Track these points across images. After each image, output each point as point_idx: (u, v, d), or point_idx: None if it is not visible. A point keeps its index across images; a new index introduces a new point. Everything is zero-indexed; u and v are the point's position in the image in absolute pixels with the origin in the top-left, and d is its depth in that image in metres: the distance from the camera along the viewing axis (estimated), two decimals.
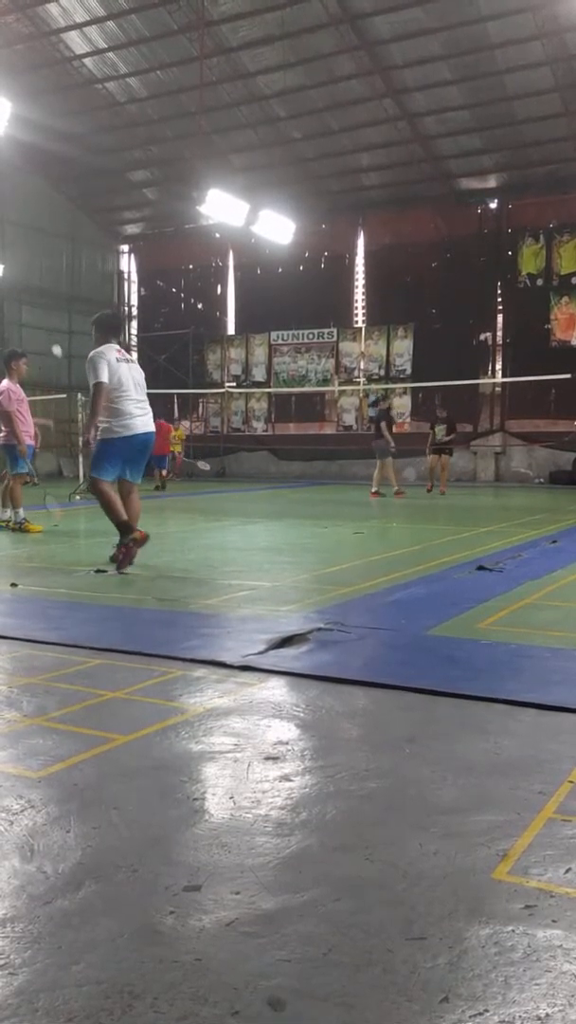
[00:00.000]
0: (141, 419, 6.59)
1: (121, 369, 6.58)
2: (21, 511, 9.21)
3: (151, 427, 6.70)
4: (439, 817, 2.18)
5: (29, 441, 9.43)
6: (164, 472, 19.64)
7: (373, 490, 15.07)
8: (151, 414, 6.75)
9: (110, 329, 7.03)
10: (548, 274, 21.02)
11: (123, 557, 6.26)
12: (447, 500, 14.62)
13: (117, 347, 6.77)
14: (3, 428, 9.31)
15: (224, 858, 1.97)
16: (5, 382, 9.53)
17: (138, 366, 6.89)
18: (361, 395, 23.49)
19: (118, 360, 6.61)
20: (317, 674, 3.50)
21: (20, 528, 9.06)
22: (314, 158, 21.64)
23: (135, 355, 26.84)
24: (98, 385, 6.47)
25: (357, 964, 1.57)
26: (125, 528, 6.35)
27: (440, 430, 15.57)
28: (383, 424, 14.95)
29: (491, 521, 10.70)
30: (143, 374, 6.83)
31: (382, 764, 2.56)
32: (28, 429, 9.50)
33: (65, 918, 1.72)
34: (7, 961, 1.57)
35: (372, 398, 21.37)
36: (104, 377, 6.46)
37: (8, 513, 9.25)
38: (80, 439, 6.91)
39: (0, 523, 9.28)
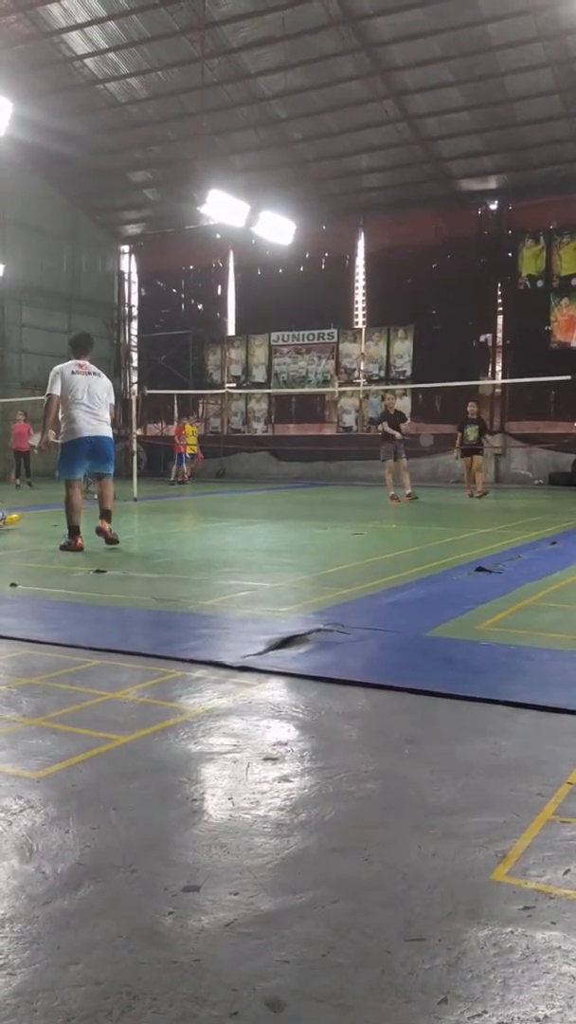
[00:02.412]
0: (88, 424, 7.71)
1: (75, 380, 7.72)
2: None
3: (99, 432, 7.76)
4: (438, 818, 2.18)
5: None
6: (182, 469, 20.17)
7: (391, 494, 14.46)
8: (103, 420, 7.81)
9: (77, 347, 8.11)
10: (548, 276, 21.01)
11: (64, 547, 7.50)
12: (449, 501, 14.62)
13: (79, 362, 7.89)
14: None
15: (223, 859, 1.97)
16: None
17: (103, 380, 7.96)
18: (362, 396, 23.50)
19: (74, 373, 7.75)
20: (316, 675, 3.50)
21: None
22: (314, 159, 21.64)
23: (135, 356, 26.88)
24: (48, 398, 7.77)
25: (356, 965, 1.57)
26: (73, 531, 7.56)
27: (472, 431, 15.31)
28: (384, 424, 14.89)
29: (490, 523, 10.70)
30: (107, 388, 7.93)
31: (381, 765, 2.56)
32: None
33: (64, 918, 1.72)
34: (6, 961, 1.58)
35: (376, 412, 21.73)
36: (55, 391, 7.69)
37: None
38: (39, 440, 8.23)
39: None
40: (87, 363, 7.95)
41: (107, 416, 7.86)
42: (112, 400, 8.02)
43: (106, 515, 7.77)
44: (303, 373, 24.11)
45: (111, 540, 7.63)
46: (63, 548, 7.49)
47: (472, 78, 18.00)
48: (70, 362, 7.91)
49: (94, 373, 7.90)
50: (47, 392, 7.76)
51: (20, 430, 18.93)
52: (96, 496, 8.08)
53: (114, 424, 8.08)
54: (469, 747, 2.69)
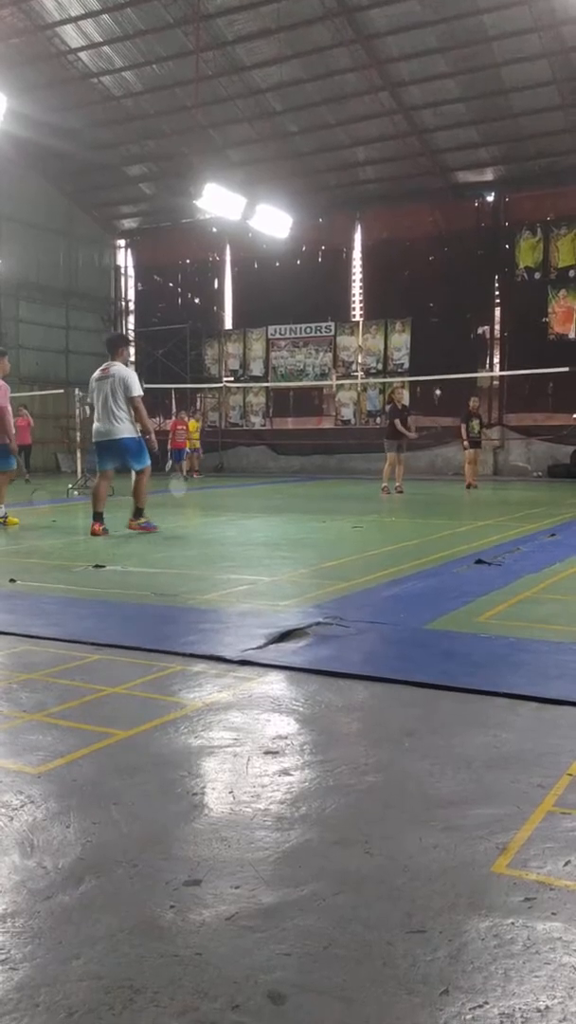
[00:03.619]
0: (98, 428, 8.55)
1: (93, 389, 8.60)
2: (2, 507, 9.36)
3: (108, 435, 8.46)
4: (438, 811, 2.19)
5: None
6: (181, 466, 20.07)
7: (384, 485, 14.61)
8: (115, 422, 8.41)
9: (106, 347, 9.12)
10: (546, 267, 20.98)
11: (103, 531, 8.28)
12: (448, 494, 14.62)
13: (103, 367, 8.63)
14: None
15: (224, 852, 1.97)
16: None
17: (115, 379, 8.45)
18: (359, 389, 23.47)
19: (96, 380, 8.57)
20: (316, 668, 3.50)
21: (3, 523, 9.23)
22: (311, 152, 21.59)
23: (132, 350, 26.83)
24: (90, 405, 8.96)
25: (357, 957, 1.57)
26: (96, 516, 8.39)
27: (475, 424, 15.82)
28: (397, 420, 14.92)
29: (489, 515, 10.70)
30: (119, 385, 8.40)
31: (381, 758, 2.56)
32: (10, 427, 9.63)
33: (65, 913, 1.73)
34: (7, 956, 1.58)
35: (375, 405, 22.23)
36: (88, 398, 8.87)
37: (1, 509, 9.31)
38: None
39: None
40: (110, 365, 8.59)
41: (121, 415, 8.39)
42: (134, 393, 8.44)
43: (137, 513, 8.55)
44: (301, 367, 24.08)
45: (145, 531, 8.40)
46: (93, 532, 8.29)
47: (468, 69, 17.94)
48: (99, 368, 8.71)
49: (108, 376, 8.47)
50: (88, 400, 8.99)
51: (19, 424, 18.96)
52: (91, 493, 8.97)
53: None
54: (469, 739, 2.70)
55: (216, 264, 25.32)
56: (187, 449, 20.73)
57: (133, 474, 8.74)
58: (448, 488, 16.01)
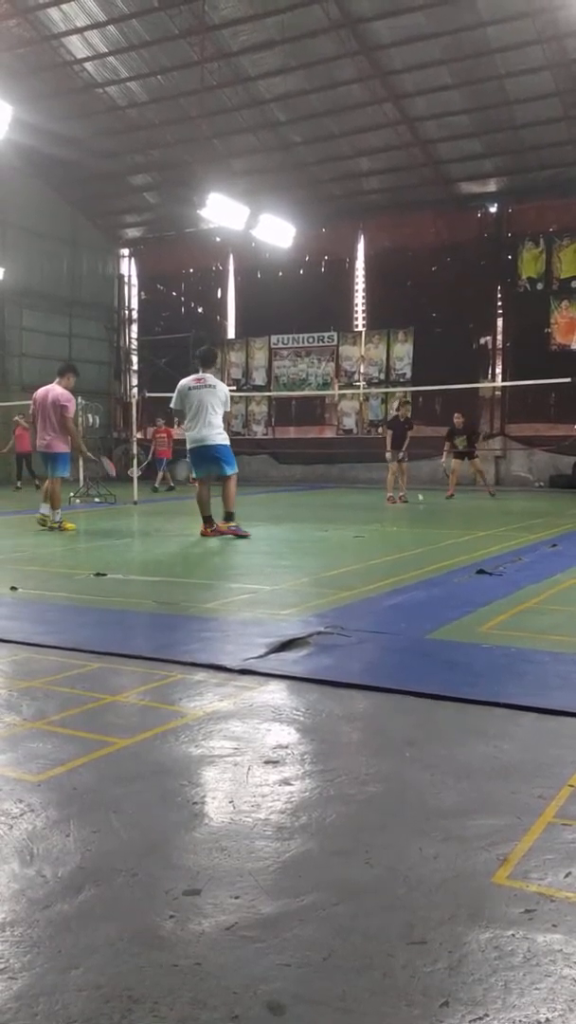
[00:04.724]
0: (195, 435, 8.95)
1: (191, 395, 8.91)
2: (59, 512, 9.67)
3: (205, 441, 8.92)
4: (439, 821, 2.18)
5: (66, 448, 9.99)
6: (167, 474, 19.48)
7: (389, 495, 14.79)
8: (212, 428, 8.86)
9: (200, 360, 9.29)
10: (548, 278, 21.02)
11: (202, 533, 8.82)
12: (449, 504, 14.62)
13: (197, 376, 9.03)
14: (50, 433, 9.58)
15: (224, 862, 1.97)
16: (64, 390, 9.85)
17: (214, 389, 8.93)
18: (362, 399, 23.50)
19: (191, 389, 8.93)
20: (317, 678, 3.50)
21: (59, 527, 9.53)
22: (314, 162, 21.67)
23: (135, 359, 26.90)
24: (173, 411, 9.43)
25: (357, 968, 1.56)
26: (206, 520, 8.93)
27: (461, 441, 15.95)
28: (389, 433, 15.08)
29: (491, 525, 10.69)
30: (219, 393, 8.92)
31: (382, 768, 2.56)
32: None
33: (65, 922, 1.72)
34: (6, 965, 1.57)
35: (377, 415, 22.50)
36: (176, 405, 9.07)
37: (47, 510, 9.53)
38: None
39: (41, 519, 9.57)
40: (206, 376, 9.04)
41: (215, 422, 8.86)
42: (229, 407, 9.20)
43: (228, 516, 8.84)
44: (303, 376, 24.11)
45: (235, 535, 8.63)
46: (203, 534, 8.81)
47: (472, 81, 18.02)
48: (190, 377, 9.10)
49: (208, 386, 8.92)
50: (171, 405, 9.21)
51: (21, 433, 18.98)
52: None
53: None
54: (470, 750, 2.69)
55: (219, 273, 25.38)
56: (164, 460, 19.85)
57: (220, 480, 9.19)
58: (451, 498, 16.00)
